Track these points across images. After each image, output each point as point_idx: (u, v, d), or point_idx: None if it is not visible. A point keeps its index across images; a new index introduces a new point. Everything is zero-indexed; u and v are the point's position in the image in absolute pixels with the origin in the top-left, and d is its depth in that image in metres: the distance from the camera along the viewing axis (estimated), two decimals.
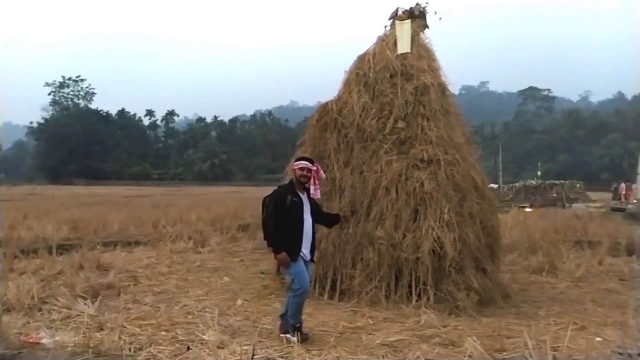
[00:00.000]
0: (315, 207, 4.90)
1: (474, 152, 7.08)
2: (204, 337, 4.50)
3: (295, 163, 4.88)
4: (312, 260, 4.85)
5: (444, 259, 5.70)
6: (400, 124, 6.48)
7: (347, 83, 7.01)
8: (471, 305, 5.56)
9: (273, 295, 6.45)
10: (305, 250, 4.66)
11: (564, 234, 12.44)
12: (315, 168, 4.91)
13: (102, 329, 4.70)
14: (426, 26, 7.19)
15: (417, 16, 7.07)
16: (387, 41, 7.03)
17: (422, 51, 6.94)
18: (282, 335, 4.63)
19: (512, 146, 75.57)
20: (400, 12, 7.16)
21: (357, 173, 6.42)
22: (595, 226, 13.79)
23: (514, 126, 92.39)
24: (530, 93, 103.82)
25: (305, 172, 4.75)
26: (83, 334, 4.47)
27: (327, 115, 6.84)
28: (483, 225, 6.31)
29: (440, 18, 7.15)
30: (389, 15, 7.24)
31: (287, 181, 5.12)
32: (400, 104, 6.56)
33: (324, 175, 5.35)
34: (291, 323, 4.62)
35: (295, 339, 4.48)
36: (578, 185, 32.70)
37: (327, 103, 6.96)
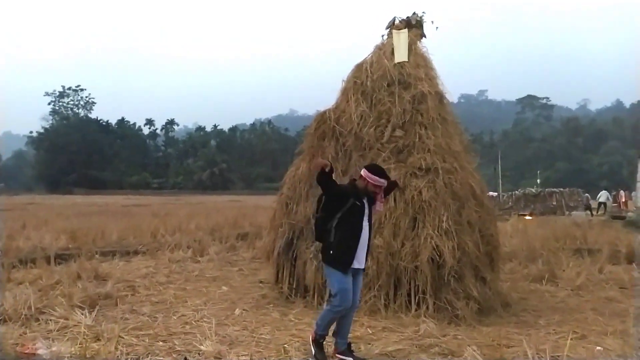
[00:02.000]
0: (371, 216, 4.51)
1: (472, 160, 7.07)
2: (202, 347, 4.47)
3: (372, 177, 4.33)
4: (364, 269, 4.56)
5: (443, 268, 5.67)
6: (398, 133, 6.48)
7: (344, 92, 7.03)
8: (471, 314, 5.53)
9: (272, 305, 6.40)
10: (358, 261, 4.29)
11: (563, 242, 12.41)
12: (385, 183, 4.50)
13: (99, 340, 4.66)
14: (423, 35, 7.23)
15: (414, 25, 7.11)
16: (385, 50, 7.06)
17: (419, 60, 6.96)
18: (337, 355, 4.38)
19: (511, 154, 75.79)
20: (397, 22, 7.20)
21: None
22: (595, 234, 13.77)
23: (512, 134, 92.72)
24: (529, 101, 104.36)
25: (378, 190, 4.40)
26: (80, 344, 4.43)
27: (325, 124, 6.85)
28: (482, 233, 6.29)
29: (437, 27, 7.20)
30: (386, 24, 7.28)
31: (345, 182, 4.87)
32: (398, 112, 6.57)
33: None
34: (318, 333, 4.36)
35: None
36: (577, 192, 32.70)
37: (324, 112, 6.97)
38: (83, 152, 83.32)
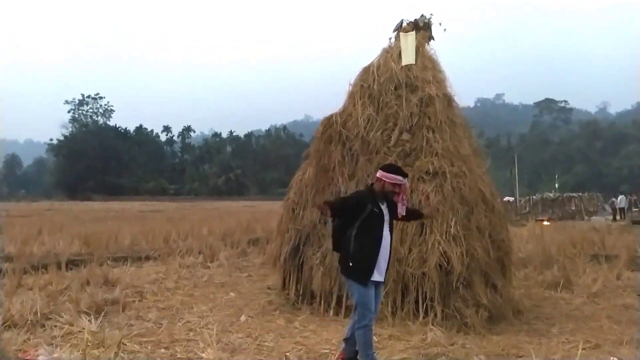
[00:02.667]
0: (392, 222, 4.31)
1: (482, 164, 6.93)
2: (203, 355, 4.42)
3: (388, 175, 4.12)
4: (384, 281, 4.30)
5: (451, 274, 5.53)
6: (405, 136, 6.38)
7: (351, 95, 6.96)
8: (480, 322, 5.38)
9: (278, 312, 6.34)
10: (380, 272, 4.05)
11: (580, 248, 12.09)
12: (406, 182, 4.28)
13: (101, 346, 4.64)
14: (431, 37, 7.13)
15: (421, 27, 7.02)
16: (392, 53, 6.98)
17: (426, 62, 6.86)
18: None
19: (529, 158, 74.64)
20: (404, 24, 7.11)
21: (362, 186, 6.28)
22: (613, 239, 13.40)
23: (530, 138, 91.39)
24: (547, 104, 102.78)
25: (397, 189, 4.14)
26: (81, 351, 4.41)
27: (331, 128, 6.78)
28: (492, 238, 6.13)
29: (445, 29, 7.09)
30: (394, 27, 7.19)
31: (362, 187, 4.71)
32: (405, 115, 6.47)
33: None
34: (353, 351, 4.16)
35: None
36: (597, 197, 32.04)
37: (331, 115, 6.90)
38: (101, 158, 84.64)
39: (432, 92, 6.53)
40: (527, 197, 35.10)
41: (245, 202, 56.48)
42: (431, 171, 6.08)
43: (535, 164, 76.46)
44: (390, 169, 4.27)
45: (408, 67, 6.78)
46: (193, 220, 21.06)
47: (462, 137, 6.70)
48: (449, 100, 6.75)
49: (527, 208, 31.06)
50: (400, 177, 4.15)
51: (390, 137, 6.46)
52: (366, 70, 7.04)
